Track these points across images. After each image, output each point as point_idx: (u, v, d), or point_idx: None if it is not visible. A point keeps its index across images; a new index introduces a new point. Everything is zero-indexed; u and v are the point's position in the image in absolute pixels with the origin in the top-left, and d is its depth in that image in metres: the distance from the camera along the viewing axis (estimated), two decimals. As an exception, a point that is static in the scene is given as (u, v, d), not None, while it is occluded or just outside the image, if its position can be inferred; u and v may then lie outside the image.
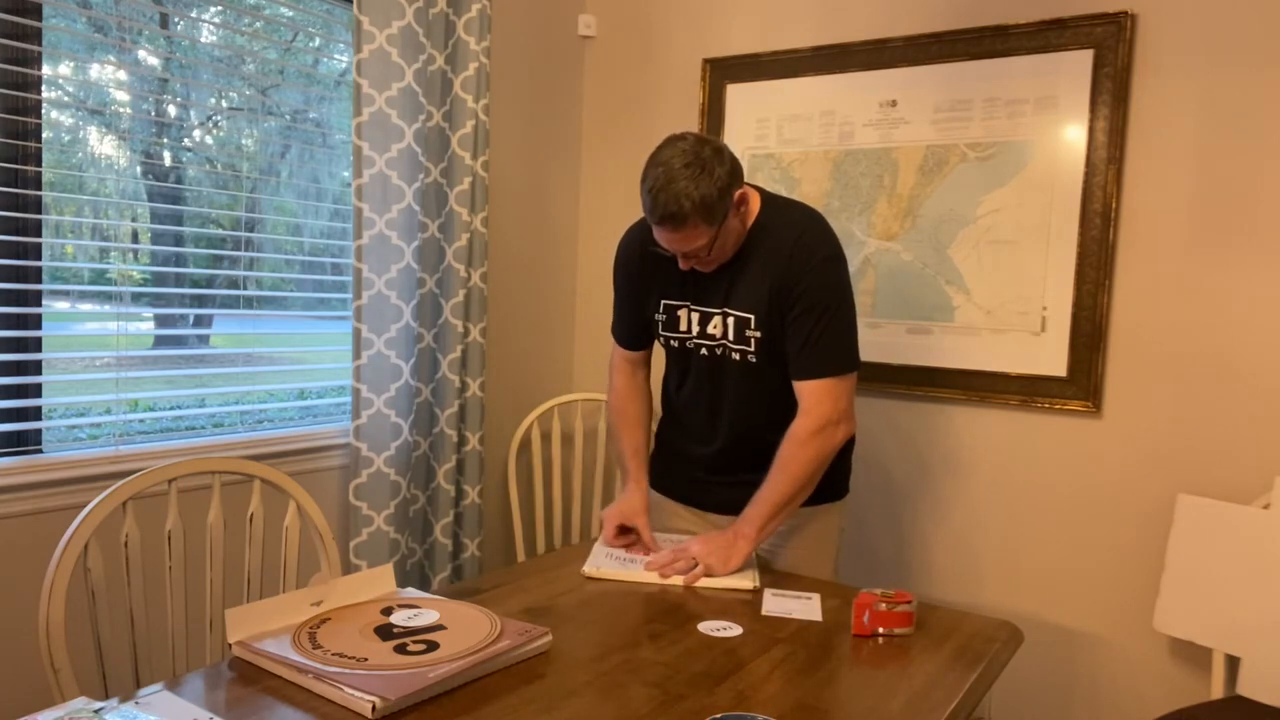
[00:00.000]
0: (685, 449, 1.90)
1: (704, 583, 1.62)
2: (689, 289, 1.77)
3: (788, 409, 1.71)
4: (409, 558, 2.43)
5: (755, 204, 1.71)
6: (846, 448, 1.85)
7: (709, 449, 1.84)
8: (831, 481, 1.79)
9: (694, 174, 1.53)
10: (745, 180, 1.67)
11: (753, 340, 1.71)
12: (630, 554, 1.74)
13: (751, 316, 1.70)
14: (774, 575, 1.70)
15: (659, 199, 1.54)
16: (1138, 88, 2.10)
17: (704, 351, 1.78)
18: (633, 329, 1.91)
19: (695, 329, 1.77)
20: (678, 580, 1.61)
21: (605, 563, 1.68)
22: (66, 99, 1.89)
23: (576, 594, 1.53)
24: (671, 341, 1.82)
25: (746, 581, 1.62)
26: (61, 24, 1.85)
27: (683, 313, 1.78)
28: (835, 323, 1.66)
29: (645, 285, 1.83)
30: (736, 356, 1.74)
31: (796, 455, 1.66)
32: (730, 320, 1.72)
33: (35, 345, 1.84)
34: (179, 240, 2.09)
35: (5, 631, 1.77)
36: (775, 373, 1.73)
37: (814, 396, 1.66)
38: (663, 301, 1.81)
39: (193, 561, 1.93)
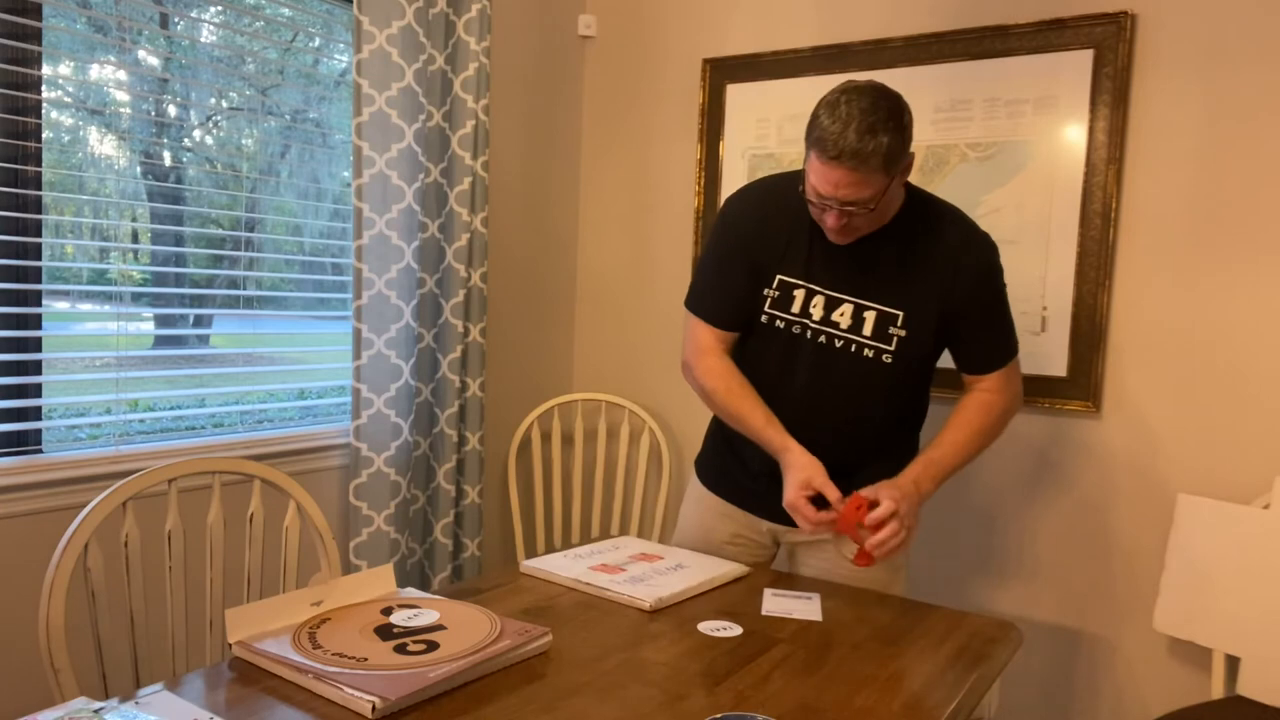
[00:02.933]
0: (751, 447, 1.71)
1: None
2: (814, 268, 1.60)
3: (894, 415, 1.65)
4: (409, 558, 2.43)
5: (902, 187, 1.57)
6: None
7: None
8: None
9: (883, 117, 1.41)
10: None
11: (894, 339, 1.59)
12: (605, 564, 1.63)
13: (900, 314, 1.58)
14: (774, 575, 1.70)
15: (844, 134, 1.40)
16: (1138, 88, 2.10)
17: (822, 339, 1.62)
18: (730, 304, 1.67)
19: (819, 313, 1.61)
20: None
21: (586, 574, 1.58)
22: (66, 99, 1.89)
23: (577, 594, 1.53)
24: (777, 322, 1.64)
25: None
26: (61, 24, 1.85)
27: (799, 293, 1.62)
28: (1009, 309, 1.68)
29: (763, 255, 1.63)
30: (869, 353, 1.60)
31: (988, 424, 1.64)
32: (869, 314, 1.59)
33: (35, 345, 1.84)
34: (179, 240, 2.09)
35: (5, 631, 1.77)
36: (904, 374, 1.62)
37: (1003, 379, 1.66)
38: (779, 277, 1.62)
39: (193, 561, 1.93)
